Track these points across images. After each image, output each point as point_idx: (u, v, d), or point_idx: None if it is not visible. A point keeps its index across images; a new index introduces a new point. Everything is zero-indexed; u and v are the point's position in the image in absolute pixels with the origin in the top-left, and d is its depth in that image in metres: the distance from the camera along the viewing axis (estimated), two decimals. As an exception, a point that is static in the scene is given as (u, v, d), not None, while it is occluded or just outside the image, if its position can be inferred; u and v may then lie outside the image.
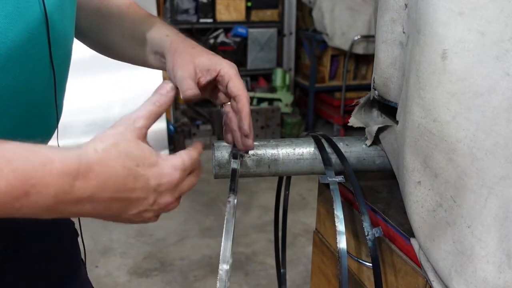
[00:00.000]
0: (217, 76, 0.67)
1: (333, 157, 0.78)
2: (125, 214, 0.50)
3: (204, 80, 0.66)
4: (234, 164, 0.69)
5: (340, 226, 0.64)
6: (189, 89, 0.63)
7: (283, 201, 1.05)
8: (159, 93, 0.56)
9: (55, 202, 0.44)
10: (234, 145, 0.73)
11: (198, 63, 0.67)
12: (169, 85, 0.58)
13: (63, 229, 0.81)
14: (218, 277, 0.53)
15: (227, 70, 0.67)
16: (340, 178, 0.70)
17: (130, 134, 0.51)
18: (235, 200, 0.62)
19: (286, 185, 1.03)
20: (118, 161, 0.48)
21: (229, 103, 0.70)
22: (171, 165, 0.52)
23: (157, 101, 0.55)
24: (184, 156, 0.53)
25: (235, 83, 0.67)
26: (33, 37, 0.56)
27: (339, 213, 0.65)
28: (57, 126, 0.71)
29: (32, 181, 0.42)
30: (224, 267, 0.54)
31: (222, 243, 0.57)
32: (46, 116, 0.67)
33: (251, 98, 3.43)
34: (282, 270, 1.05)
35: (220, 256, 0.54)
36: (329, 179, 0.70)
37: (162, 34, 0.73)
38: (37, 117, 0.65)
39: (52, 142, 0.72)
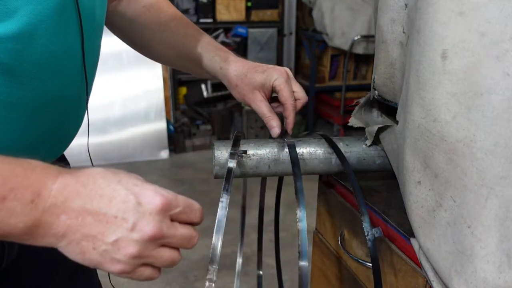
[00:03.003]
0: (272, 88, 0.78)
1: (333, 157, 0.78)
2: (102, 241, 0.45)
3: (268, 97, 0.80)
4: (230, 164, 0.69)
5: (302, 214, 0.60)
6: (275, 127, 0.76)
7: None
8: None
9: (30, 210, 0.43)
10: (233, 145, 0.72)
11: (257, 84, 0.77)
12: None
13: None
14: (207, 277, 0.53)
15: (278, 81, 0.76)
16: (378, 232, 0.69)
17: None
18: (228, 201, 0.61)
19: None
20: (101, 173, 0.47)
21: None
22: (154, 188, 0.48)
23: None
24: (179, 195, 0.50)
25: (283, 93, 0.76)
26: (70, 48, 0.61)
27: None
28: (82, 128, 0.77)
29: (11, 185, 0.42)
30: (214, 267, 0.53)
31: (212, 243, 0.56)
32: (73, 122, 0.71)
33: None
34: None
35: (210, 256, 0.54)
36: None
37: (215, 65, 0.81)
38: (66, 123, 0.68)
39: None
